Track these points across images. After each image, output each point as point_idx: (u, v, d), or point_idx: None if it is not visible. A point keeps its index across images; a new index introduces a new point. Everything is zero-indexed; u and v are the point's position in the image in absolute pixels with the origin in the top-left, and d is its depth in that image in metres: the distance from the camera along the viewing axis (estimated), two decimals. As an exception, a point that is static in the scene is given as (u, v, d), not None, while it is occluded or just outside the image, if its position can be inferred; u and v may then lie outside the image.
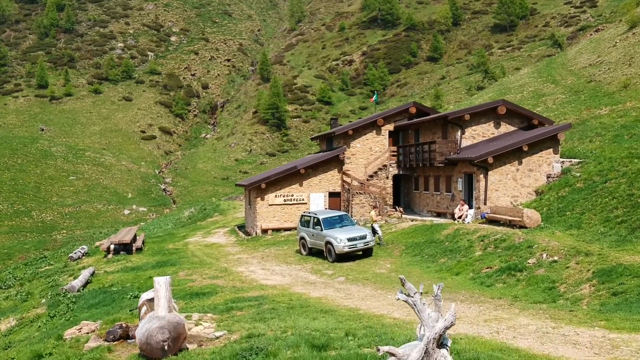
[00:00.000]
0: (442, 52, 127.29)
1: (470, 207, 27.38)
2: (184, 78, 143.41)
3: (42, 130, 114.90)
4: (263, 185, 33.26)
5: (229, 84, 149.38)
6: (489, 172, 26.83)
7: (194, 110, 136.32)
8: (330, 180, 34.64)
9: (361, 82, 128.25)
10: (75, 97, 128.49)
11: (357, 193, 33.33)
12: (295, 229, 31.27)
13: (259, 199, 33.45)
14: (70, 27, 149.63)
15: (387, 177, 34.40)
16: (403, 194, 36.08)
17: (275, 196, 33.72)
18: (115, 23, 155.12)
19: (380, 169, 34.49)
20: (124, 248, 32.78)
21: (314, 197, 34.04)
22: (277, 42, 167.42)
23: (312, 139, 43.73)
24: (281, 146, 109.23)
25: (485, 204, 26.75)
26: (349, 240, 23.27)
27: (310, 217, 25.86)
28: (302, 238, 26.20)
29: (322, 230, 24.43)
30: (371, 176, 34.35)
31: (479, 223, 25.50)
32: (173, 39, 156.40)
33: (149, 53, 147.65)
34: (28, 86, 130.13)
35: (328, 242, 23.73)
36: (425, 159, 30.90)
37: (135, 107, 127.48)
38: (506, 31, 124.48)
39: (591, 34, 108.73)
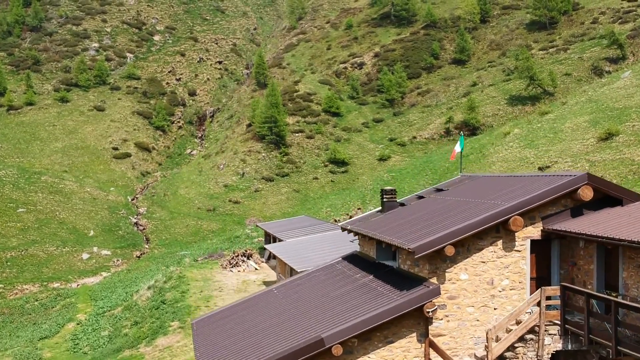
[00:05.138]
0: (470, 54, 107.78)
1: None
2: (167, 83, 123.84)
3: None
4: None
5: (220, 89, 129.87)
6: None
7: (179, 121, 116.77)
8: None
9: (374, 89, 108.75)
10: (37, 107, 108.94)
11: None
12: None
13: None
14: (38, 25, 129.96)
15: (538, 360, 14.90)
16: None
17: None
18: (90, 20, 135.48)
19: (521, 341, 14.98)
20: None
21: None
22: (275, 42, 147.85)
23: (345, 231, 21.99)
24: (280, 168, 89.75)
25: None
26: None
27: None
28: None
29: None
30: (502, 358, 14.85)
31: None
32: (156, 38, 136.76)
33: (127, 54, 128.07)
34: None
35: None
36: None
37: (107, 119, 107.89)
38: (545, 29, 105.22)
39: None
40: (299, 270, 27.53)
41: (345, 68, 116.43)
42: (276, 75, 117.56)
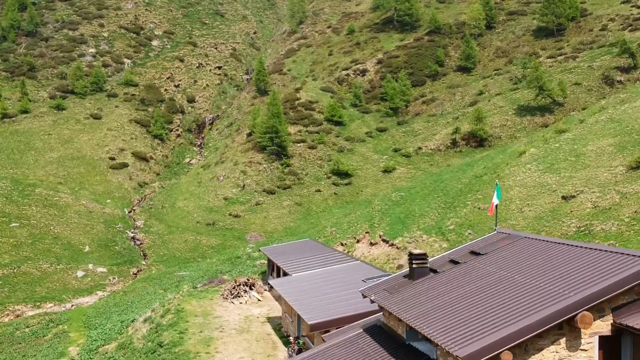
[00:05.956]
0: (476, 61, 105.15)
1: None
2: (165, 90, 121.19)
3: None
4: None
5: (220, 95, 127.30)
6: None
7: (177, 129, 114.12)
8: None
9: (377, 97, 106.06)
10: (32, 115, 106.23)
11: None
12: None
13: None
14: (34, 30, 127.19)
15: None
16: None
17: None
18: (87, 25, 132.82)
19: None
20: None
21: None
22: (275, 47, 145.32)
23: (366, 297, 18.97)
24: (282, 180, 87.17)
25: None
26: None
27: None
28: None
29: None
30: None
31: None
32: (155, 43, 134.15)
33: (125, 60, 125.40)
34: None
35: None
36: None
37: (104, 127, 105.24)
38: (553, 36, 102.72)
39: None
40: (310, 323, 25.04)
41: (348, 75, 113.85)
42: (277, 82, 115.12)
